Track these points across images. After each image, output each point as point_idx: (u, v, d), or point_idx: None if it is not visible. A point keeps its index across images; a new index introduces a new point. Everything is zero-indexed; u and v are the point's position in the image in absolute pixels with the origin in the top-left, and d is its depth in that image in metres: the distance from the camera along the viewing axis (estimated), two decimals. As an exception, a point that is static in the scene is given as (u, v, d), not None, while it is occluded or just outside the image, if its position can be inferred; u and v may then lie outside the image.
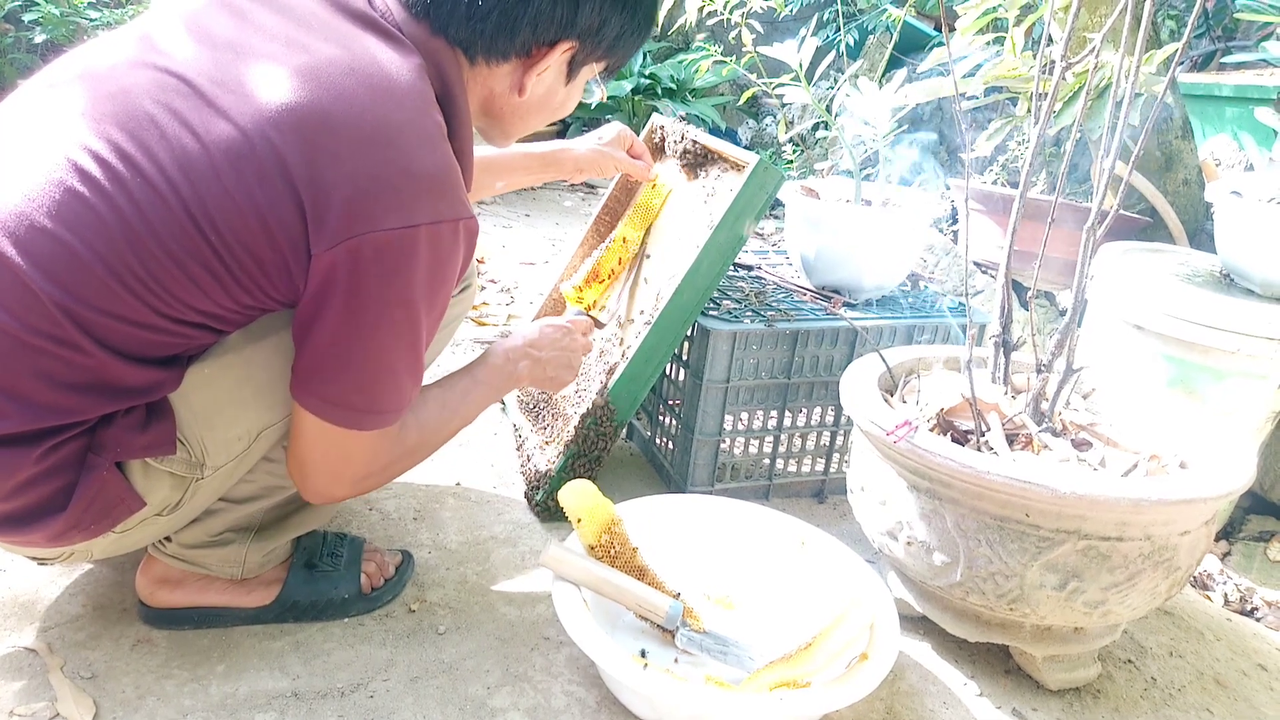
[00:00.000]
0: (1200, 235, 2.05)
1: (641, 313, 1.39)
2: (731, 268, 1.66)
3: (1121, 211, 1.48)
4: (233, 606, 1.07)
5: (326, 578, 1.11)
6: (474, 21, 0.90)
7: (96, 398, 0.83)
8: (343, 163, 0.79)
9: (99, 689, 0.97)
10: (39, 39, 2.73)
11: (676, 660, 1.07)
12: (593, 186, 3.86)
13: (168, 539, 1.01)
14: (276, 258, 0.81)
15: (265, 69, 0.81)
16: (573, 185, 3.84)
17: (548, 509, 1.37)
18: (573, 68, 0.99)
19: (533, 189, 3.68)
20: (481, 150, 1.26)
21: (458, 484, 1.47)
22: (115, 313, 0.80)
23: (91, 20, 2.78)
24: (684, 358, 1.49)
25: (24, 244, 0.77)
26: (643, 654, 1.07)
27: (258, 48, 0.83)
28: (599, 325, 1.42)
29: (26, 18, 2.73)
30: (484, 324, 2.19)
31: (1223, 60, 2.09)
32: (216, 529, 1.02)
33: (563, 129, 4.16)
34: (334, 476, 0.94)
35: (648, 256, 1.49)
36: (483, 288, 2.45)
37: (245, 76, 0.80)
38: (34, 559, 0.97)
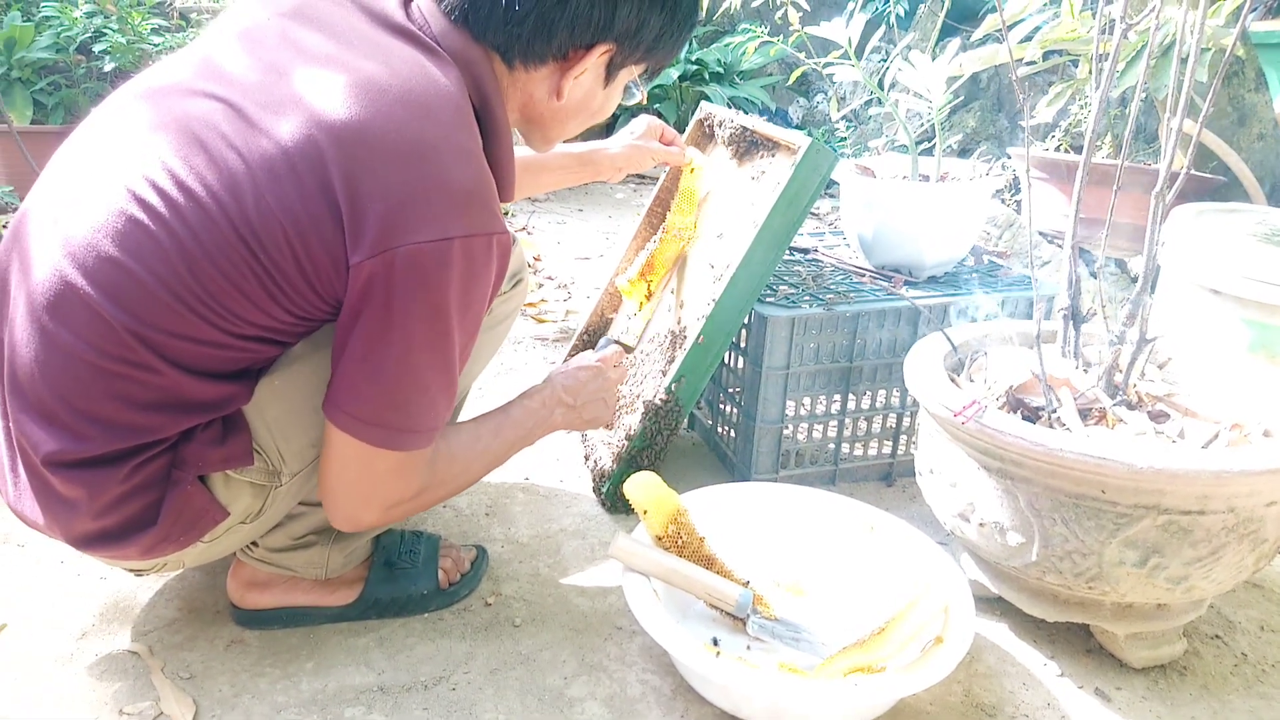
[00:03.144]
0: (1279, 192, 1.96)
1: (692, 314, 1.39)
2: (787, 252, 1.65)
3: (1193, 172, 1.43)
4: (319, 606, 1.11)
5: (406, 575, 1.14)
6: (511, 25, 0.91)
7: (173, 415, 0.87)
8: (379, 177, 0.81)
9: (198, 688, 1.01)
10: (108, 67, 2.85)
11: (749, 647, 1.08)
12: (643, 177, 3.87)
13: (254, 544, 1.06)
14: (318, 269, 0.84)
15: (306, 88, 0.84)
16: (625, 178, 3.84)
17: (614, 501, 1.39)
18: (611, 70, 0.99)
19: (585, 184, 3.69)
20: (521, 151, 1.27)
21: (527, 479, 1.49)
22: (182, 333, 0.83)
23: (155, 45, 2.89)
24: (742, 346, 1.49)
25: (93, 274, 0.82)
26: (715, 642, 1.08)
27: (300, 68, 0.85)
28: (628, 350, 1.42)
29: (96, 48, 2.86)
30: (543, 320, 2.22)
31: (1298, 5, 1.99)
32: (299, 532, 1.06)
33: (610, 124, 4.16)
34: (364, 500, 0.94)
35: (701, 244, 1.49)
36: (540, 285, 2.48)
37: (288, 97, 0.83)
38: (130, 570, 1.03)
